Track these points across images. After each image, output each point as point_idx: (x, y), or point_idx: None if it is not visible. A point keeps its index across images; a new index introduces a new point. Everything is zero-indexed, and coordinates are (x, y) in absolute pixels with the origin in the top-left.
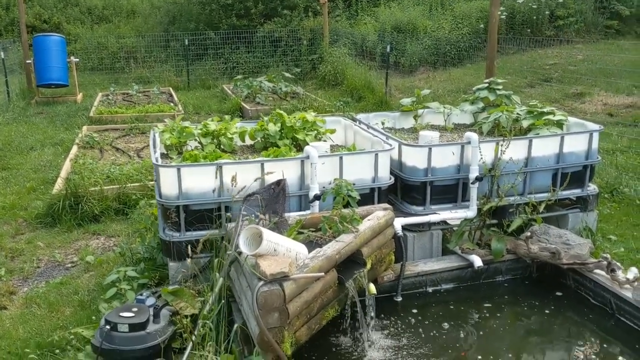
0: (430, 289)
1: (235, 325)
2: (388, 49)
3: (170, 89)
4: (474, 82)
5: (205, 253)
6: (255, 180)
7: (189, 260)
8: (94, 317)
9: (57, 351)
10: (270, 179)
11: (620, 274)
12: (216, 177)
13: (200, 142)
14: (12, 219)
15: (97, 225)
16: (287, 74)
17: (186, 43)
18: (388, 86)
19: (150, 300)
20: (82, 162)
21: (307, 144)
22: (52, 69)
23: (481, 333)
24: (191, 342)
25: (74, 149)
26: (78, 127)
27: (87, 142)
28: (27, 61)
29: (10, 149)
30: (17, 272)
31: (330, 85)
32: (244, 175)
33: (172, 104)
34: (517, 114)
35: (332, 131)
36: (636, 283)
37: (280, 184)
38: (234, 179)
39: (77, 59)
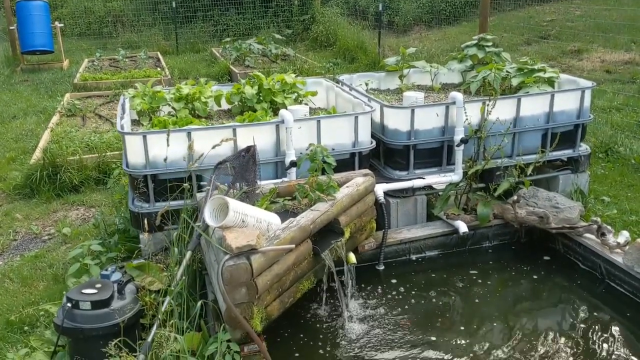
0: (413, 257)
1: (199, 302)
2: (380, 8)
3: (158, 53)
4: (469, 41)
5: (177, 225)
6: (214, 148)
7: (145, 234)
8: (64, 292)
9: (26, 328)
10: (224, 146)
11: (610, 238)
12: (168, 144)
13: (173, 108)
14: None
15: (77, 195)
16: (277, 36)
17: (174, 5)
18: (381, 46)
19: (116, 276)
20: (61, 131)
21: (286, 107)
22: (36, 35)
23: (467, 301)
24: (157, 320)
25: (55, 117)
26: (61, 95)
27: (69, 110)
28: (11, 27)
29: None
30: None
31: (322, 46)
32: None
33: (159, 69)
34: (507, 71)
35: (314, 93)
36: (627, 247)
37: (249, 150)
38: (190, 146)
39: (62, 24)
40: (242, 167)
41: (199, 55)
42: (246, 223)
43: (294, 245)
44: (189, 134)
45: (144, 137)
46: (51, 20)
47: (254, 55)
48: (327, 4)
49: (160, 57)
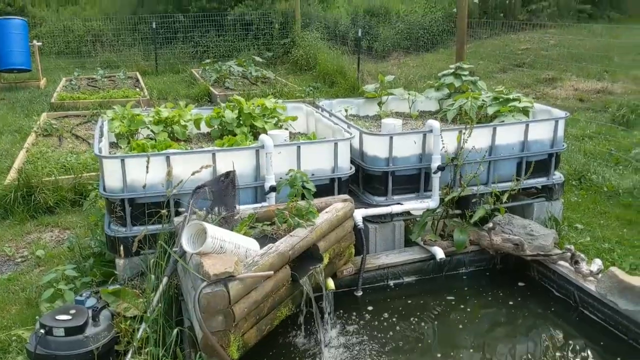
0: (392, 283)
1: (176, 329)
2: (359, 34)
3: (137, 73)
4: (446, 67)
5: (154, 249)
6: (193, 174)
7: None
8: (37, 317)
9: None
10: (204, 171)
11: (584, 266)
12: (147, 171)
13: (152, 131)
14: None
15: (52, 217)
16: (258, 58)
17: (154, 26)
18: (360, 71)
19: (91, 302)
20: (37, 151)
21: (266, 132)
22: (14, 54)
23: (444, 327)
24: (132, 347)
25: (31, 137)
26: (38, 114)
27: (45, 130)
28: None
29: None
30: None
31: (302, 70)
32: (195, 167)
33: (137, 89)
34: (483, 100)
35: (294, 118)
36: (600, 275)
37: (229, 175)
38: (169, 173)
39: (40, 43)
40: (221, 191)
41: (178, 76)
42: (224, 249)
43: (272, 272)
44: (167, 159)
45: (122, 160)
46: (29, 39)
47: (234, 77)
48: (308, 28)
49: (140, 77)
